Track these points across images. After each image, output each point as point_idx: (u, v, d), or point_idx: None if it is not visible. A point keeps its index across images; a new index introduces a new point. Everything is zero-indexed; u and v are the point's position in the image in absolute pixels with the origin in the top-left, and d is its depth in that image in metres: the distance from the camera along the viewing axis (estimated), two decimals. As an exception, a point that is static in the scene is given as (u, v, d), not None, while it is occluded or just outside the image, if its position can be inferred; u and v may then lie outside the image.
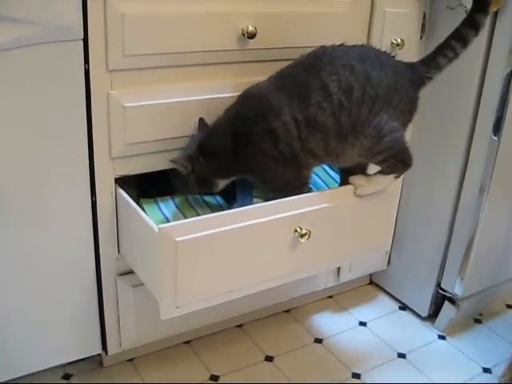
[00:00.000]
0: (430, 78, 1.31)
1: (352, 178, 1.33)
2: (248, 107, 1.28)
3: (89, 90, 1.21)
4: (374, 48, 1.31)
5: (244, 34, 1.31)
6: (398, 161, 1.28)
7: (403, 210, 1.80)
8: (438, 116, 1.66)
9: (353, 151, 1.27)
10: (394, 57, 1.31)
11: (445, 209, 1.70)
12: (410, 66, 1.31)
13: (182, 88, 1.30)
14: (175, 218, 1.32)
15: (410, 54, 1.53)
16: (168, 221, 1.32)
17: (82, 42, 1.16)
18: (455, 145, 1.63)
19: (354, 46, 1.29)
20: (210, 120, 1.32)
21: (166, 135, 1.31)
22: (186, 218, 1.32)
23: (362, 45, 1.31)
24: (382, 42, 1.54)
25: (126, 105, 1.24)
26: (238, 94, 1.30)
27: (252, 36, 1.31)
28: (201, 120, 1.33)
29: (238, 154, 1.27)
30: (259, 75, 1.30)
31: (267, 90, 1.27)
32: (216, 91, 1.34)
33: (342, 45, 1.28)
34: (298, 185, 1.31)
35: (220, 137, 1.28)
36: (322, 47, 1.27)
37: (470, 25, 1.28)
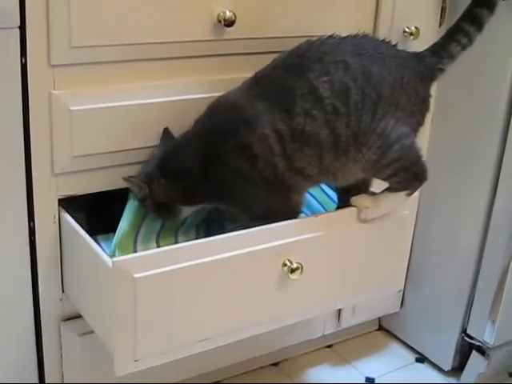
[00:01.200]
0: (442, 70, 1.33)
1: (354, 199, 1.34)
2: (217, 119, 1.28)
3: (26, 90, 1.21)
4: (372, 37, 1.33)
5: (220, 21, 1.32)
6: (410, 174, 1.29)
7: (420, 239, 1.81)
8: (463, 126, 1.69)
9: (355, 166, 1.28)
10: (395, 45, 1.33)
11: (471, 237, 1.72)
12: (417, 56, 1.33)
13: (142, 87, 1.31)
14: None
15: (427, 45, 1.54)
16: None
17: (18, 30, 1.17)
18: (483, 160, 1.65)
19: (346, 37, 1.30)
20: (178, 129, 1.32)
21: (123, 146, 1.32)
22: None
23: (356, 35, 1.31)
24: (391, 30, 1.56)
25: (73, 108, 1.24)
26: (212, 94, 1.31)
27: (230, 23, 1.32)
28: (165, 131, 1.33)
29: (208, 177, 1.27)
30: (238, 71, 1.31)
31: (240, 98, 1.27)
32: (186, 91, 1.35)
33: (331, 36, 1.29)
34: (286, 213, 1.30)
35: (186, 154, 1.29)
36: (307, 42, 1.28)
37: (483, 2, 1.31)
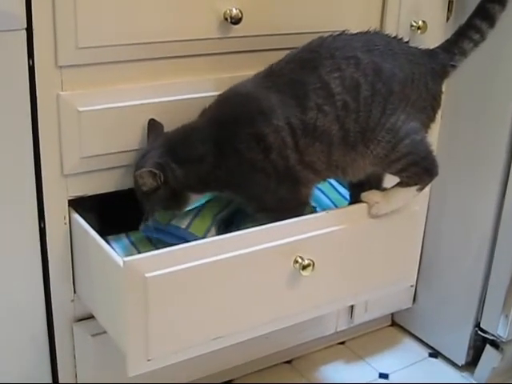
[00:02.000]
0: (454, 67, 1.33)
1: (364, 195, 1.34)
2: (231, 108, 1.29)
3: (34, 92, 1.21)
4: (383, 34, 1.33)
5: (227, 19, 1.32)
6: (420, 169, 1.29)
7: (432, 233, 1.81)
8: (472, 121, 1.68)
9: (364, 161, 1.28)
10: (407, 42, 1.33)
11: (484, 231, 1.71)
12: (429, 52, 1.33)
13: (150, 87, 1.31)
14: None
15: (434, 39, 1.54)
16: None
17: (25, 32, 1.17)
18: (494, 154, 1.65)
19: (357, 33, 1.30)
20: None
21: (132, 146, 1.32)
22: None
23: (368, 31, 1.32)
24: (398, 25, 1.56)
25: (81, 109, 1.25)
26: (220, 93, 1.31)
27: (237, 21, 1.32)
28: (152, 122, 1.32)
29: (221, 164, 1.27)
30: (245, 69, 1.31)
31: (254, 90, 1.28)
32: (193, 90, 1.35)
33: (342, 33, 1.30)
34: (294, 205, 1.31)
35: (198, 140, 1.28)
36: (320, 38, 1.29)
37: None
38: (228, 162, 1.27)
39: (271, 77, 1.28)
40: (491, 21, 1.31)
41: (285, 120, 1.24)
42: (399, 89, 1.25)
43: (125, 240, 1.40)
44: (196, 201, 1.36)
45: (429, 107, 1.30)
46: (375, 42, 1.28)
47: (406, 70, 1.26)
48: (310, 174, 1.29)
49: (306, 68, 1.25)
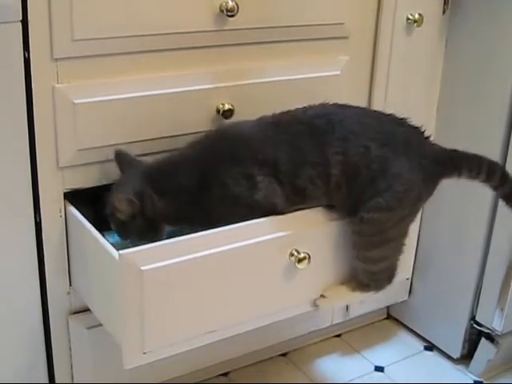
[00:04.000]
0: (446, 177, 1.33)
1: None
2: (224, 145, 1.27)
3: (30, 84, 1.21)
4: (405, 122, 1.30)
5: (223, 11, 1.32)
6: (387, 276, 1.34)
7: (427, 227, 1.81)
8: (469, 117, 1.69)
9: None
10: (428, 138, 1.32)
11: (479, 225, 1.71)
12: (440, 160, 1.31)
13: (145, 79, 1.31)
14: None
15: (431, 32, 1.54)
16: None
17: (20, 24, 1.17)
18: (490, 150, 1.63)
19: (376, 113, 1.32)
20: (182, 121, 1.32)
21: (127, 138, 1.32)
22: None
23: (390, 114, 1.31)
24: (394, 18, 1.56)
25: (76, 101, 1.24)
26: (216, 85, 1.31)
27: (233, 13, 1.32)
28: (120, 155, 1.30)
29: (202, 197, 1.25)
30: (241, 61, 1.32)
31: (255, 133, 1.27)
32: (188, 82, 1.35)
33: (357, 107, 1.30)
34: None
35: (180, 173, 1.26)
36: (338, 107, 1.29)
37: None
38: (212, 195, 1.25)
39: (277, 128, 1.27)
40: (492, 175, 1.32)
41: (275, 176, 1.24)
42: (401, 189, 1.25)
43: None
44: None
45: (416, 213, 1.34)
46: (395, 132, 1.27)
47: (415, 177, 1.26)
48: None
49: (314, 139, 1.24)
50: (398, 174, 1.24)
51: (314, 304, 1.34)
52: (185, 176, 1.26)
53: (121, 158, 1.30)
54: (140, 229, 1.28)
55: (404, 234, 1.31)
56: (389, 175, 1.23)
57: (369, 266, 1.31)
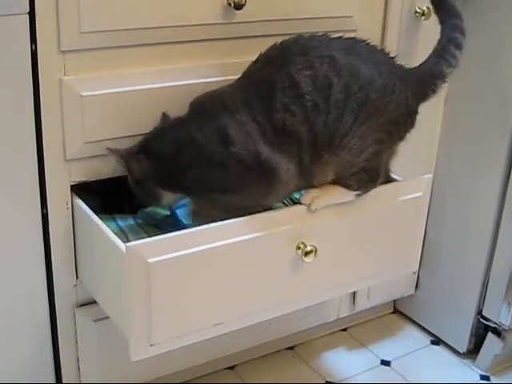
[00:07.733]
0: (434, 91, 1.32)
1: (304, 197, 1.28)
2: (197, 111, 1.27)
3: (37, 76, 1.21)
4: (369, 43, 1.29)
5: (230, 4, 1.32)
6: (369, 177, 1.29)
7: (434, 220, 1.81)
8: (476, 107, 1.68)
9: (330, 169, 1.26)
10: (393, 58, 1.31)
11: (486, 217, 1.71)
12: (414, 71, 1.31)
13: (152, 72, 1.31)
14: (134, 234, 1.34)
15: (438, 25, 1.53)
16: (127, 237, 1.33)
17: (27, 16, 1.17)
18: (497, 142, 1.65)
19: (340, 37, 1.27)
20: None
21: (134, 131, 1.32)
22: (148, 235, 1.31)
23: (353, 38, 1.29)
24: (402, 10, 1.56)
25: (84, 94, 1.25)
26: (224, 78, 1.31)
27: (240, 6, 1.32)
28: (164, 116, 1.32)
29: (179, 161, 1.25)
30: (248, 54, 1.30)
31: (223, 92, 1.27)
32: (196, 75, 1.35)
33: (324, 35, 1.26)
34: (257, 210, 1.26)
35: (162, 138, 1.27)
36: (297, 35, 1.26)
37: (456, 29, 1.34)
38: (188, 158, 1.24)
39: (242, 78, 1.27)
40: (462, 49, 1.32)
41: (249, 117, 1.22)
42: (376, 97, 1.22)
43: (131, 221, 1.41)
44: (172, 199, 1.34)
45: (402, 123, 1.28)
46: (358, 47, 1.25)
47: (387, 79, 1.23)
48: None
49: (275, 65, 1.23)
50: (370, 81, 1.22)
51: (312, 209, 1.29)
52: (167, 143, 1.26)
53: (162, 120, 1.32)
54: (141, 192, 1.30)
55: (383, 140, 1.27)
56: (361, 82, 1.21)
57: (350, 170, 1.26)
